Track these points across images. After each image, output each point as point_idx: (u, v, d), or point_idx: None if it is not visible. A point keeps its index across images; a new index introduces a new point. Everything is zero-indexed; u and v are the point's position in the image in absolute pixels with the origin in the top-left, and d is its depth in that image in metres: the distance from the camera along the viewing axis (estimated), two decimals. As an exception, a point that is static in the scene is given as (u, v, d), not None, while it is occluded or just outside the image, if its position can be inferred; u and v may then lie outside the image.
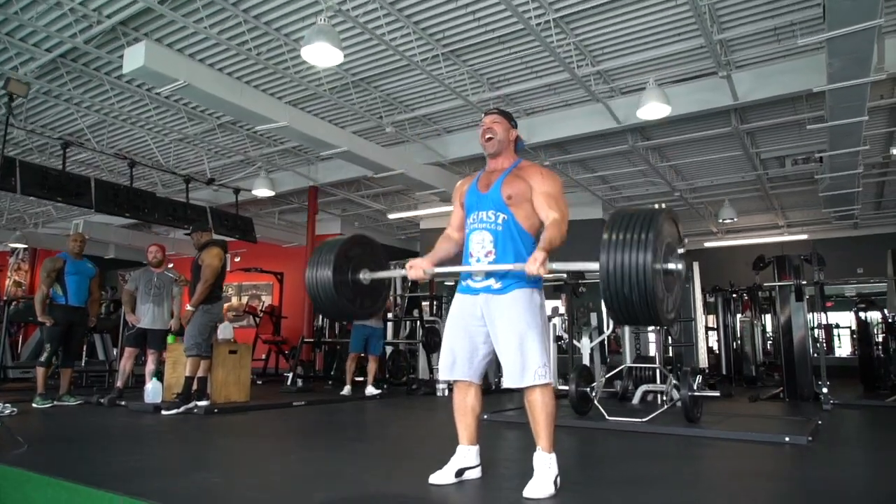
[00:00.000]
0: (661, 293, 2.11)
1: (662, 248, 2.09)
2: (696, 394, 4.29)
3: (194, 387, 5.21)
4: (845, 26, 4.56)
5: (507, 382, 2.45)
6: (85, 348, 8.43)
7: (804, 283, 6.30)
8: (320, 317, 10.71)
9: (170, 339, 5.98)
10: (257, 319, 12.14)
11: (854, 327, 11.02)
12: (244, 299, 14.59)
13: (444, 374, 2.60)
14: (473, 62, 6.94)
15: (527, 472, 2.40)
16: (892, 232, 13.20)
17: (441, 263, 2.72)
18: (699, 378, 4.45)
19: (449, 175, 9.76)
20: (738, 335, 10.22)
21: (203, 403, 5.28)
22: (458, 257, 2.73)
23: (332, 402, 6.41)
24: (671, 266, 2.12)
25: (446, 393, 7.55)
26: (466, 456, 2.59)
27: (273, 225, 13.55)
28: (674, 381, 4.57)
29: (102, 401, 5.65)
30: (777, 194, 11.84)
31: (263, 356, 11.64)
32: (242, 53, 6.42)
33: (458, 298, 2.63)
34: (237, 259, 13.73)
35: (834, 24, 4.56)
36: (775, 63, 6.77)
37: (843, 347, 14.34)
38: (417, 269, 2.64)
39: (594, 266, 2.17)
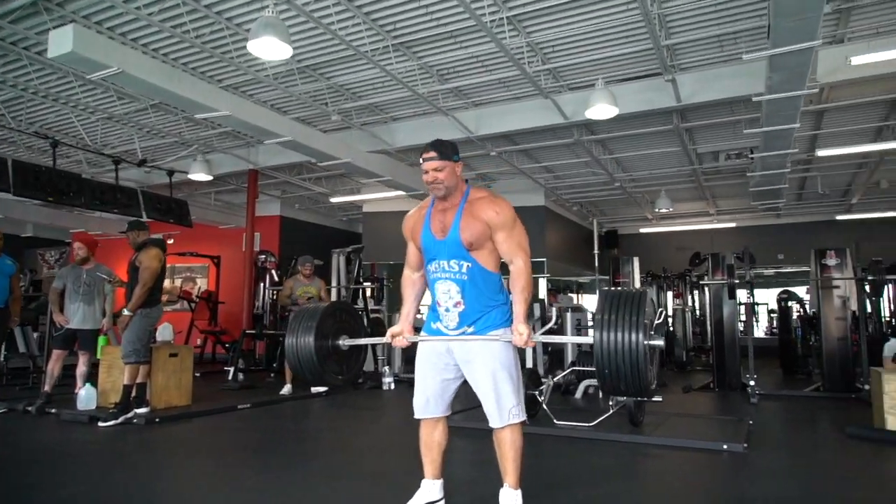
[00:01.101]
0: (647, 366, 2.24)
1: (648, 326, 2.20)
2: (640, 399, 4.46)
3: (133, 394, 4.99)
4: (787, 45, 4.73)
5: (491, 423, 2.49)
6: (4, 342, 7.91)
7: (737, 282, 6.63)
8: (261, 303, 10.45)
9: (101, 340, 5.68)
10: (192, 305, 11.74)
11: (773, 307, 11.72)
12: (177, 282, 14.04)
13: (418, 413, 2.61)
14: (424, 55, 6.81)
15: (488, 499, 2.45)
16: (810, 221, 14.07)
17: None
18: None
19: (395, 163, 9.63)
20: (671, 321, 10.68)
21: (143, 411, 5.07)
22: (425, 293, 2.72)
23: (277, 402, 6.28)
24: (655, 343, 2.23)
25: (392, 387, 7.57)
26: (431, 490, 2.60)
27: (209, 206, 13.02)
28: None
29: (30, 408, 5.34)
30: (709, 186, 12.35)
31: (198, 342, 11.31)
32: (178, 36, 6.05)
33: (429, 340, 2.61)
34: (170, 241, 13.15)
35: (777, 43, 4.72)
36: (717, 68, 6.98)
37: (761, 325, 15.24)
38: (401, 339, 2.62)
39: (585, 340, 2.27)
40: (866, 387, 6.02)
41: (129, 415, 4.88)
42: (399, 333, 2.63)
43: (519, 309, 2.41)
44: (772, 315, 13.00)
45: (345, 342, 2.85)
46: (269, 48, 4.97)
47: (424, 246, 2.53)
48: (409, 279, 2.73)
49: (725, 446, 3.85)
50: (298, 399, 6.52)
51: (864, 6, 5.68)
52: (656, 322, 2.33)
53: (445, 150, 2.49)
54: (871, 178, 11.12)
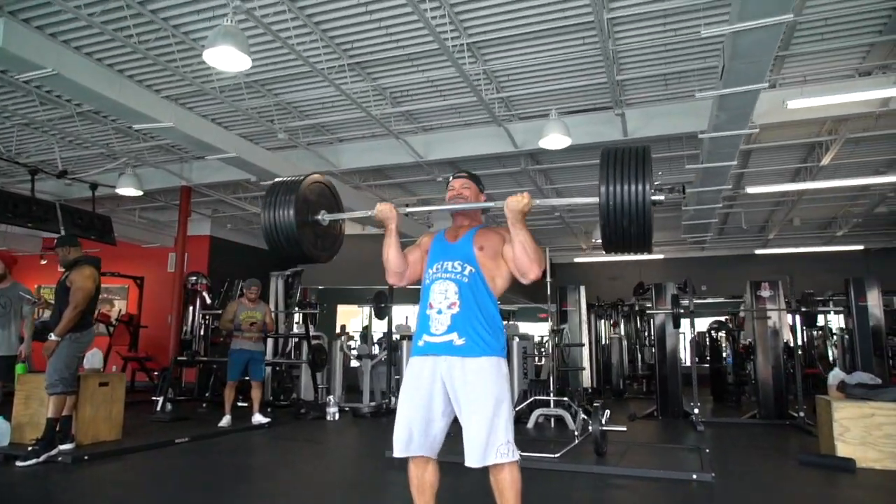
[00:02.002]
0: (653, 220, 2.25)
1: (653, 181, 2.21)
2: (605, 428, 4.45)
3: (57, 428, 4.48)
4: (737, 86, 4.98)
5: (467, 461, 2.28)
6: None
7: (682, 311, 6.85)
8: (190, 327, 9.80)
9: (19, 368, 5.11)
10: (111, 329, 10.90)
11: (698, 339, 12.27)
12: (93, 304, 13.01)
13: (398, 450, 2.38)
14: (379, 76, 6.72)
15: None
16: (731, 254, 14.88)
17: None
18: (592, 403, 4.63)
19: (339, 185, 9.38)
20: (608, 350, 10.91)
21: (68, 447, 4.56)
22: (398, 275, 2.64)
23: (217, 435, 5.84)
24: (659, 197, 2.21)
25: (336, 416, 7.25)
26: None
27: (133, 223, 12.22)
28: (583, 416, 4.71)
29: (-71, 446, 4.69)
30: (641, 218, 12.82)
31: (114, 368, 10.48)
32: (120, 41, 5.65)
33: (414, 364, 2.45)
34: (87, 260, 12.21)
35: (729, 83, 4.96)
36: (661, 105, 7.28)
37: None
38: (386, 204, 2.59)
39: (589, 200, 2.33)
40: (800, 414, 6.31)
41: (53, 452, 4.37)
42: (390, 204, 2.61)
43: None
44: (700, 344, 13.61)
45: (325, 217, 2.71)
46: (226, 58, 4.72)
47: (433, 250, 2.54)
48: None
49: (695, 476, 3.88)
50: (240, 431, 6.10)
51: (796, 55, 6.11)
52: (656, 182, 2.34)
53: (475, 177, 2.69)
54: (788, 216, 11.90)
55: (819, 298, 8.60)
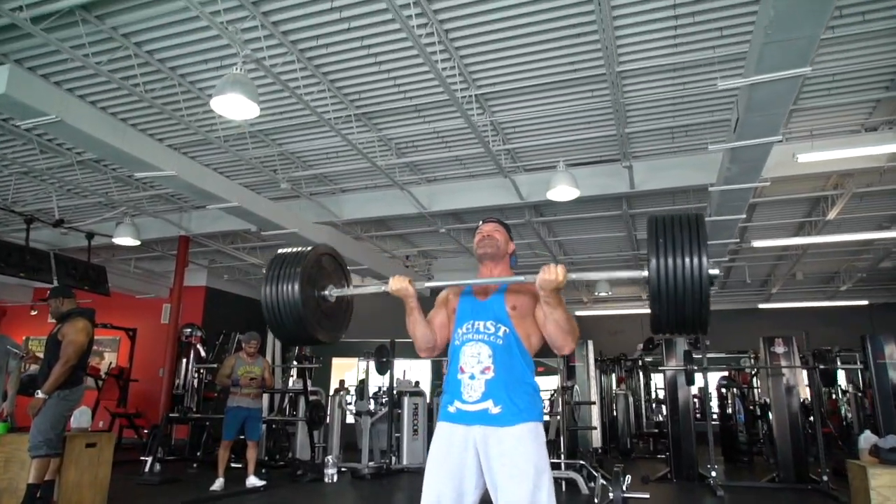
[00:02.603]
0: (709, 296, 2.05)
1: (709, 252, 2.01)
2: (627, 495, 4.17)
3: (38, 494, 4.16)
4: (752, 138, 4.93)
5: None
6: None
7: (695, 368, 6.62)
8: (182, 381, 9.44)
9: (0, 427, 4.79)
10: (99, 382, 10.51)
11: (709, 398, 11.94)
12: (82, 356, 12.62)
13: None
14: (385, 127, 6.69)
15: None
16: (733, 309, 14.69)
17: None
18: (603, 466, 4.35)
19: (341, 236, 9.27)
20: (614, 407, 10.57)
21: (47, 515, 4.22)
22: (429, 350, 2.40)
23: (211, 501, 5.47)
24: (715, 271, 2.03)
25: (335, 479, 6.87)
26: None
27: (128, 273, 12.00)
28: (602, 482, 4.42)
29: None
30: (644, 271, 12.70)
31: (101, 424, 10.06)
32: (127, 89, 5.60)
33: (444, 429, 2.22)
34: (79, 311, 11.91)
35: (743, 135, 4.91)
36: (667, 158, 7.26)
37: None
38: (401, 279, 2.30)
39: (633, 274, 2.10)
40: (824, 478, 6.01)
41: (32, 521, 4.04)
42: (401, 277, 2.32)
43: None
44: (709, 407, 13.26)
45: (332, 292, 2.46)
46: (233, 107, 4.65)
47: (460, 309, 2.32)
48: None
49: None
50: (234, 496, 5.72)
51: (804, 109, 6.12)
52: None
53: (505, 225, 2.49)
54: (791, 270, 11.81)
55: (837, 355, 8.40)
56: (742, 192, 6.20)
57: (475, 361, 2.19)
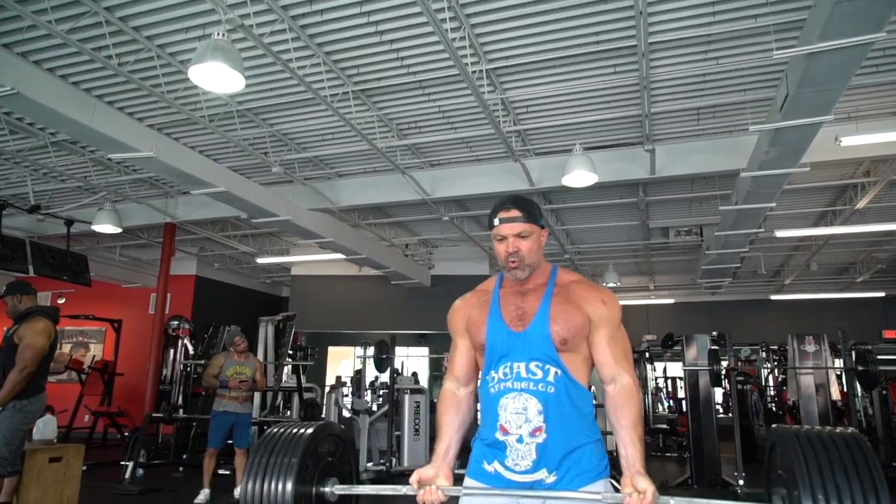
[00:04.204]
0: None
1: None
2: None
3: (-9, 520, 3.65)
4: (799, 118, 4.39)
5: None
6: None
7: (723, 369, 6.13)
8: (169, 373, 8.90)
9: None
10: (83, 377, 10.01)
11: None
12: (66, 349, 12.11)
13: None
14: (385, 105, 6.12)
15: None
16: (745, 299, 14.25)
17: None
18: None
19: (337, 223, 8.71)
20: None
21: (3, 543, 3.71)
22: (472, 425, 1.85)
23: (192, 517, 4.98)
24: None
25: (331, 486, 6.37)
26: None
27: (112, 262, 11.43)
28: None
29: None
30: (653, 261, 12.22)
31: (86, 418, 9.56)
32: (99, 61, 5.00)
33: (479, 492, 1.71)
34: (62, 301, 11.38)
35: (790, 114, 4.37)
36: (690, 141, 6.72)
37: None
38: (434, 492, 1.66)
39: None
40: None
41: (-18, 553, 3.53)
42: (431, 480, 1.72)
43: (634, 452, 1.61)
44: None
45: (334, 489, 1.85)
46: (215, 77, 4.07)
47: (490, 341, 1.72)
48: (452, 396, 1.85)
49: None
50: (218, 510, 5.24)
51: (847, 87, 5.58)
52: None
53: (532, 209, 1.76)
54: (808, 260, 11.33)
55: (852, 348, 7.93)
56: (777, 178, 5.68)
57: (521, 420, 1.64)
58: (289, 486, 1.71)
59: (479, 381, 1.79)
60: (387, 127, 6.47)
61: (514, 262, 1.72)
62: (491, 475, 1.67)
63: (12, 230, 9.10)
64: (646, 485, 1.52)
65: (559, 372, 1.65)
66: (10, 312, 4.02)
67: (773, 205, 6.45)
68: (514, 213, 1.73)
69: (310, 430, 1.85)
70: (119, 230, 8.16)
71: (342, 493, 1.86)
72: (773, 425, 1.60)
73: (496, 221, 1.75)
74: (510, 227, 1.72)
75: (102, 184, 7.97)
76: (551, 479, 1.62)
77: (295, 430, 1.83)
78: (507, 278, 1.80)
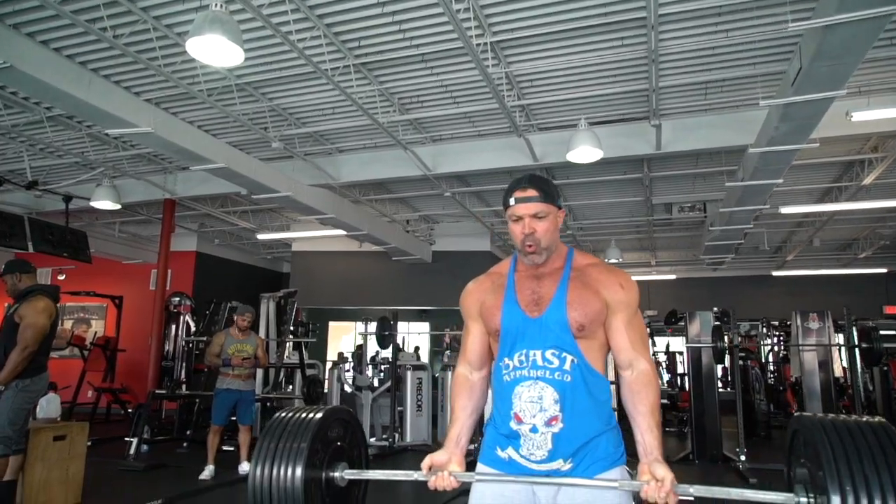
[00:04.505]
0: None
1: None
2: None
3: (-3, 498, 3.65)
4: (812, 92, 4.29)
5: None
6: None
7: (726, 346, 6.12)
8: (172, 348, 8.91)
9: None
10: (85, 353, 10.02)
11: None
12: (68, 324, 12.12)
13: None
14: (387, 79, 6.00)
15: None
16: (746, 275, 14.23)
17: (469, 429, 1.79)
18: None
19: (338, 199, 8.63)
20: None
21: (9, 521, 3.73)
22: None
23: (198, 493, 4.99)
24: None
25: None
26: None
27: (111, 238, 11.36)
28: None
29: None
30: (655, 237, 12.16)
31: (90, 393, 9.60)
32: (94, 34, 4.86)
33: (492, 485, 1.67)
34: (61, 278, 11.35)
35: (803, 89, 4.27)
36: (697, 116, 6.61)
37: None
38: (447, 478, 1.63)
39: (781, 498, 1.40)
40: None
41: (-11, 532, 3.54)
42: (444, 465, 1.68)
43: (651, 439, 1.57)
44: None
45: (344, 474, 1.82)
46: (213, 50, 3.97)
47: (505, 327, 1.66)
48: (465, 381, 1.81)
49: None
50: (225, 486, 5.25)
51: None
52: None
53: (549, 188, 1.68)
54: (811, 237, 11.28)
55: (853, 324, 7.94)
56: (786, 154, 5.59)
57: (536, 409, 1.59)
58: (298, 471, 1.68)
59: (493, 367, 1.74)
60: (388, 101, 6.36)
61: (530, 245, 1.65)
62: (505, 462, 1.64)
63: (10, 206, 9.05)
64: (664, 472, 1.49)
65: (576, 360, 1.60)
66: (10, 291, 3.98)
67: (781, 181, 6.36)
68: (531, 192, 1.65)
69: (319, 415, 1.81)
70: (118, 206, 8.08)
71: (352, 477, 1.83)
72: (796, 413, 1.55)
73: (512, 201, 1.67)
74: (526, 208, 1.64)
75: (100, 159, 7.88)
76: (567, 467, 1.58)
77: (303, 415, 1.79)
78: (521, 261, 1.74)
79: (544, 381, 1.59)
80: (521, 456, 1.61)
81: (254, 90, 6.16)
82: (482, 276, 1.82)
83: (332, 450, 1.83)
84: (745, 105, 6.26)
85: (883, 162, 7.20)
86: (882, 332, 6.55)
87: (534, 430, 1.59)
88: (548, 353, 1.61)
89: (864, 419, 1.40)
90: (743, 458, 5.78)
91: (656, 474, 1.50)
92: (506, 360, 1.66)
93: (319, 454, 1.77)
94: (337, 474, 1.81)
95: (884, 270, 13.13)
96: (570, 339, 1.61)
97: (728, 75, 5.80)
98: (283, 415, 1.85)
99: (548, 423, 1.58)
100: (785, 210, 8.46)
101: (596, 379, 1.63)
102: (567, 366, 1.60)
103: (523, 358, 1.62)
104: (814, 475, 1.38)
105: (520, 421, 1.60)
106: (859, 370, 7.13)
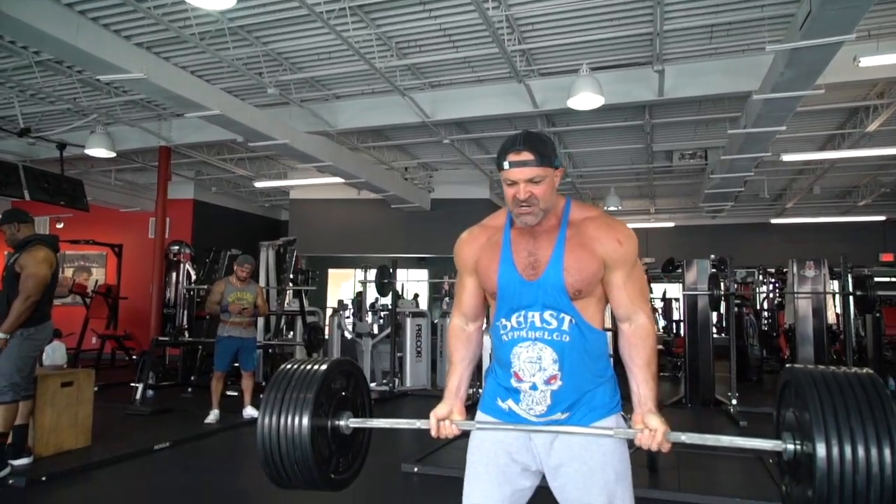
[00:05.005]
0: None
1: None
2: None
3: (8, 441, 3.76)
4: (820, 36, 4.19)
5: None
6: None
7: (722, 293, 6.18)
8: (173, 295, 8.99)
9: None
10: (87, 300, 10.11)
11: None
12: (69, 272, 12.17)
13: None
14: (384, 23, 5.82)
15: None
16: (745, 223, 14.24)
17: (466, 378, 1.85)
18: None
19: (336, 147, 8.54)
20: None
21: (23, 462, 3.86)
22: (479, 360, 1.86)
23: (203, 436, 5.13)
24: None
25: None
26: None
27: (108, 186, 11.28)
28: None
29: None
30: (655, 185, 12.10)
31: (94, 339, 9.76)
32: (79, -26, 4.71)
33: (490, 432, 1.72)
34: (60, 226, 11.34)
35: (811, 34, 4.16)
36: (701, 61, 6.46)
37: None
38: (449, 426, 1.69)
39: (770, 445, 1.46)
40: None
41: (4, 472, 3.65)
42: (446, 416, 1.73)
43: (647, 391, 1.61)
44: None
45: (349, 423, 1.87)
46: (205, -7, 3.84)
47: (502, 289, 1.66)
48: (461, 332, 1.83)
49: (779, 510, 3.25)
50: (229, 429, 5.40)
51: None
52: None
53: (546, 149, 1.59)
54: (812, 184, 11.22)
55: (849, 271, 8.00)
56: (790, 100, 5.50)
57: (535, 368, 1.61)
58: (305, 419, 1.72)
59: (491, 324, 1.76)
60: (385, 46, 6.20)
61: (528, 210, 1.60)
62: (505, 412, 1.68)
63: (3, 154, 8.93)
64: (657, 423, 1.53)
65: (573, 320, 1.61)
66: (9, 241, 3.98)
67: (784, 128, 6.28)
68: (526, 155, 1.56)
69: (324, 367, 1.84)
70: (112, 154, 8.00)
71: (356, 426, 1.89)
72: (788, 365, 1.58)
73: (506, 165, 1.58)
74: (521, 172, 1.57)
75: (93, 106, 7.73)
76: (564, 416, 1.63)
77: (309, 367, 1.83)
78: (516, 225, 1.69)
79: (543, 341, 1.61)
80: (521, 409, 1.65)
81: (247, 34, 5.99)
82: (476, 228, 1.79)
83: (336, 400, 1.88)
84: (751, 50, 6.11)
85: (888, 108, 7.09)
86: (878, 280, 6.62)
87: (533, 387, 1.62)
88: (546, 315, 1.61)
89: (853, 370, 1.43)
90: (734, 402, 5.94)
91: (649, 425, 1.54)
92: (503, 320, 1.66)
93: (325, 405, 1.82)
94: (342, 423, 1.85)
95: (882, 218, 13.13)
96: (567, 301, 1.61)
97: (735, 18, 5.61)
98: (290, 366, 1.88)
99: (547, 382, 1.61)
100: (787, 158, 8.40)
101: (593, 335, 1.65)
102: (565, 326, 1.60)
103: (521, 319, 1.63)
104: (801, 424, 1.42)
105: (520, 379, 1.63)
106: (852, 317, 7.26)
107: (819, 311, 6.51)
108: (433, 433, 1.70)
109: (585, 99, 5.87)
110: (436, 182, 11.94)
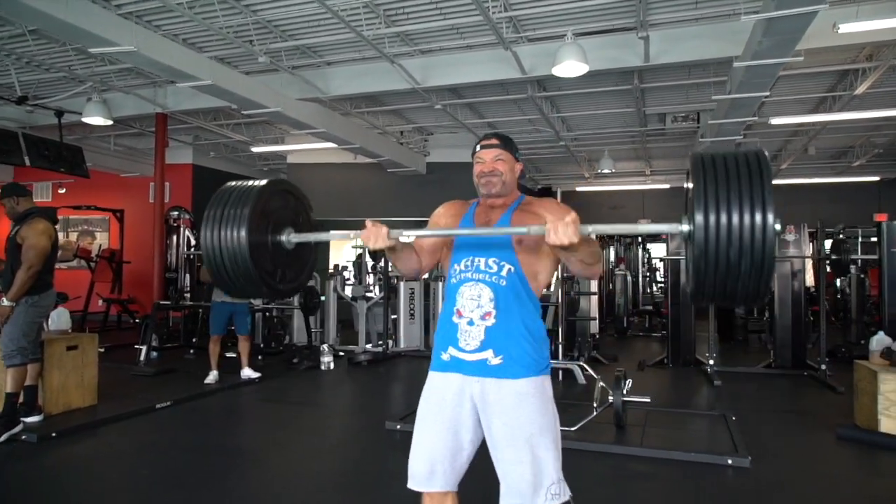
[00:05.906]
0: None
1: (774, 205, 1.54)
2: (627, 399, 4.08)
3: (20, 401, 4.04)
4: (795, 7, 4.26)
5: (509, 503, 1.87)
6: None
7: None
8: (174, 259, 9.26)
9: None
10: (91, 264, 10.39)
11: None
12: (73, 236, 12.43)
13: (417, 483, 1.94)
14: (371, -10, 5.86)
15: None
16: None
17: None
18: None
19: (328, 113, 8.63)
20: (612, 285, 10.55)
21: (34, 420, 4.15)
22: (413, 274, 2.08)
23: (202, 396, 5.44)
24: (779, 226, 1.56)
25: (332, 366, 6.89)
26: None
27: (108, 152, 11.42)
28: (601, 384, 4.30)
29: None
30: (649, 147, 12.15)
31: (100, 302, 10.07)
32: (66, -53, 4.77)
33: (438, 380, 1.96)
34: (62, 191, 11.54)
35: (784, 4, 4.23)
36: (687, 26, 6.48)
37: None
38: (379, 232, 1.81)
39: (673, 228, 1.66)
40: (822, 367, 5.99)
41: (16, 429, 3.94)
42: (376, 226, 1.86)
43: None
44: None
45: (290, 238, 2.05)
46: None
47: (459, 240, 2.01)
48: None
49: (730, 461, 3.51)
50: (227, 389, 5.71)
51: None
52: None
53: (509, 143, 2.05)
54: (807, 145, 11.26)
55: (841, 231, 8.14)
56: (770, 67, 5.57)
57: (474, 305, 1.89)
58: (243, 234, 1.86)
59: (445, 276, 2.03)
60: (373, 13, 6.24)
61: (491, 180, 1.95)
62: (447, 363, 1.94)
63: (2, 121, 9.06)
64: (567, 212, 1.71)
65: (512, 269, 1.89)
66: (9, 213, 4.19)
67: (767, 94, 6.36)
68: (494, 141, 2.01)
69: (259, 185, 2.00)
70: (109, 122, 8.13)
71: (298, 241, 2.07)
72: (692, 153, 1.77)
73: (478, 148, 2.02)
74: (488, 153, 1.99)
75: (88, 73, 7.82)
76: (496, 361, 1.86)
77: (246, 186, 1.98)
78: (481, 202, 2.03)
79: (483, 282, 1.89)
80: (458, 349, 1.90)
81: (235, 2, 6.04)
82: (457, 201, 2.13)
83: (275, 217, 2.03)
84: (736, 15, 6.12)
85: (876, 71, 7.11)
86: (871, 240, 6.69)
87: (470, 323, 1.89)
88: (490, 261, 1.91)
89: (743, 150, 1.60)
90: (711, 362, 6.19)
91: (560, 207, 1.90)
92: (455, 266, 1.97)
93: (263, 221, 1.96)
94: (283, 238, 2.03)
95: (876, 178, 13.18)
96: (510, 251, 1.90)
97: (719, -16, 5.66)
98: (228, 186, 2.03)
99: (483, 318, 1.87)
100: (775, 121, 8.46)
101: (527, 290, 1.91)
102: (504, 272, 1.89)
103: (469, 263, 1.93)
104: (690, 202, 1.62)
105: (460, 315, 1.90)
106: (827, 280, 7.43)
107: (799, 274, 6.70)
108: (363, 236, 1.83)
109: (570, 67, 5.95)
110: (431, 146, 12.02)
